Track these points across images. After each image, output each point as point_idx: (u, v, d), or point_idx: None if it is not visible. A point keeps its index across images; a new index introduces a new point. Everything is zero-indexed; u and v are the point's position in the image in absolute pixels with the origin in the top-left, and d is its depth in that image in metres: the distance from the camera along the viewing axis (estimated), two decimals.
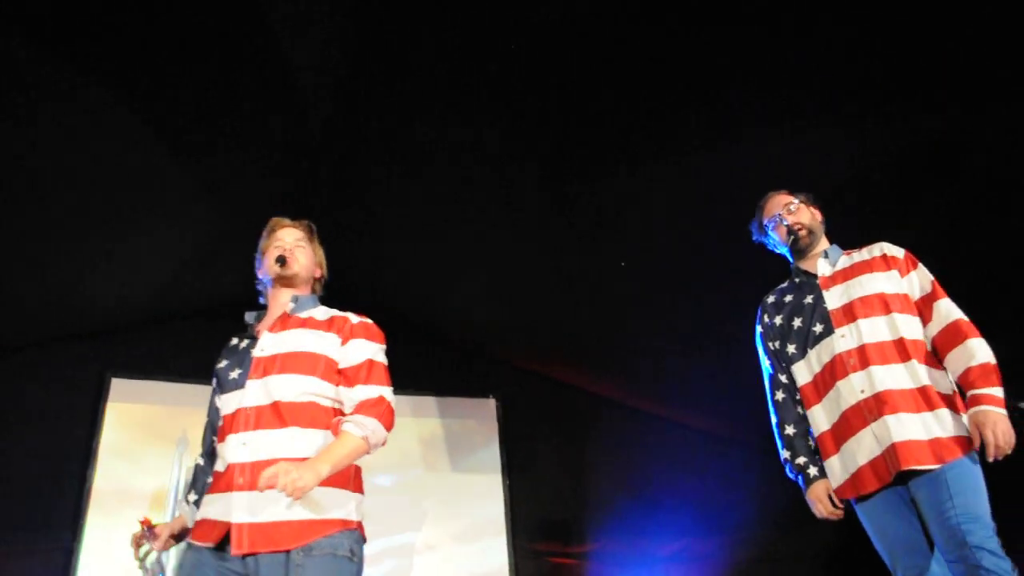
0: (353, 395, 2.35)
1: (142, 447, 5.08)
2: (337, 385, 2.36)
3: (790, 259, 2.90)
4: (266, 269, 2.55)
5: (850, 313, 2.63)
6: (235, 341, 2.54)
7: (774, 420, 2.77)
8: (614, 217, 4.47)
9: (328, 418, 2.31)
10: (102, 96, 3.49)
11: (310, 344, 2.37)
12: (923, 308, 2.62)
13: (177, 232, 4.63)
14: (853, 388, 2.54)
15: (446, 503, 5.63)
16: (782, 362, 2.79)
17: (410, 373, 5.89)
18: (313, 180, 4.57)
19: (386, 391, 2.42)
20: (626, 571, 5.70)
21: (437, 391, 5.95)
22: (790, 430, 2.71)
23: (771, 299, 2.91)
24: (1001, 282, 4.07)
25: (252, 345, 2.42)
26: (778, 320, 2.81)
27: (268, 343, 2.38)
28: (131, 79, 3.51)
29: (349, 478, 2.33)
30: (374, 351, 2.46)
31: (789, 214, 2.84)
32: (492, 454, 5.86)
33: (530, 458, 5.91)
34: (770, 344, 2.83)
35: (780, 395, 2.76)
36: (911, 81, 3.44)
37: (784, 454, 2.72)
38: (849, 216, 3.80)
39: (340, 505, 2.26)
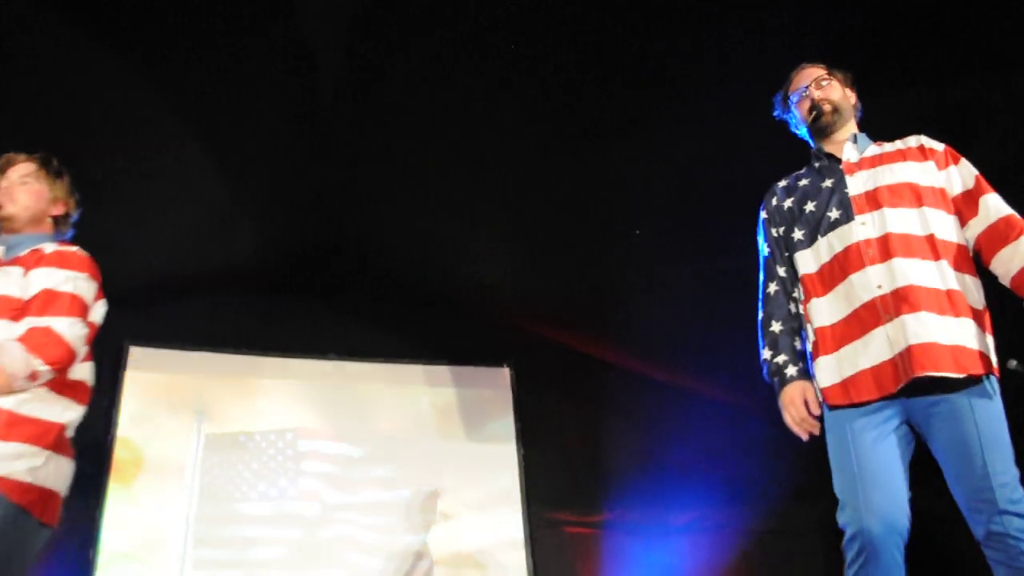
0: (20, 330, 2.13)
1: (161, 416, 5.13)
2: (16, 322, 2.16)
3: (810, 143, 2.54)
4: None
5: (874, 200, 2.28)
6: None
7: (760, 315, 2.40)
8: (630, 180, 4.43)
9: None
10: (115, 63, 3.49)
11: (12, 287, 2.22)
12: (964, 205, 2.25)
13: (192, 201, 4.63)
14: (868, 282, 2.18)
15: (461, 473, 5.65)
16: (784, 250, 2.43)
17: (424, 342, 5.92)
18: (325, 146, 4.56)
19: (56, 322, 2.14)
20: (641, 540, 5.72)
21: (451, 360, 5.96)
22: (776, 327, 2.33)
23: (783, 183, 2.54)
24: None
25: None
26: (788, 203, 2.45)
27: None
28: (144, 49, 3.50)
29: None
30: (58, 280, 2.22)
31: (818, 88, 2.47)
32: (507, 423, 5.87)
33: (545, 427, 5.92)
34: (773, 230, 2.47)
35: (773, 287, 2.39)
36: (928, 49, 3.39)
37: (764, 353, 2.34)
38: None
39: None
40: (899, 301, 2.13)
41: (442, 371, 5.94)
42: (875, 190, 2.29)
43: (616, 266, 5.17)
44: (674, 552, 5.70)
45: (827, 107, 2.44)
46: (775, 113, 2.64)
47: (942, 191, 2.28)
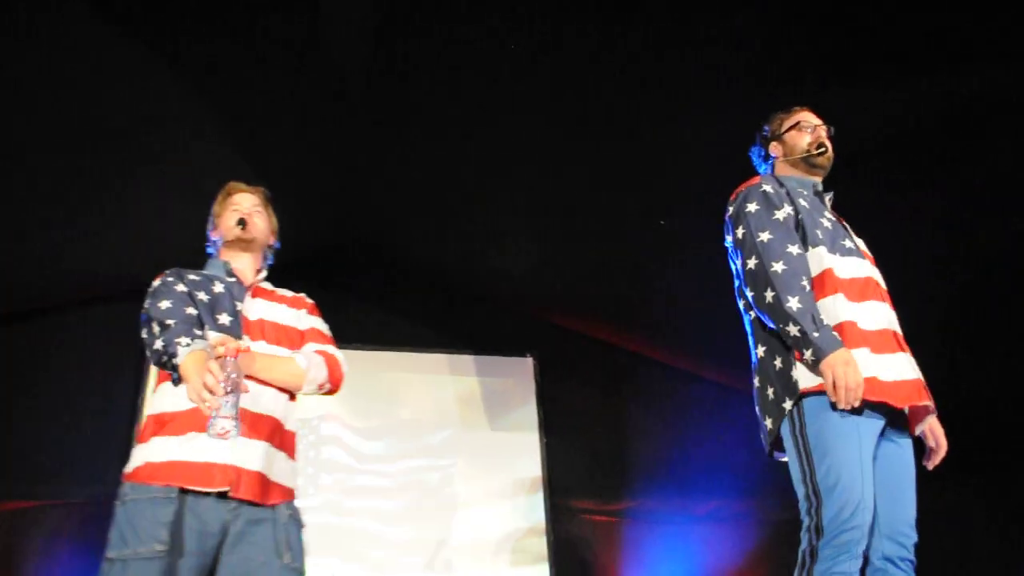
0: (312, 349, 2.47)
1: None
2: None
3: (769, 173, 2.60)
4: (222, 231, 2.54)
5: (866, 253, 2.42)
6: (199, 277, 2.44)
7: (769, 296, 2.21)
8: (657, 169, 4.40)
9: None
10: (132, 51, 3.50)
11: (288, 319, 2.48)
12: None
13: (212, 192, 4.66)
14: (882, 315, 2.26)
15: (484, 461, 5.68)
16: (798, 233, 2.33)
17: (448, 331, 5.93)
18: (346, 134, 4.56)
19: (338, 352, 2.51)
20: (662, 529, 5.72)
21: (475, 350, 5.98)
22: (795, 304, 2.16)
23: (776, 185, 2.46)
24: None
25: (231, 296, 2.40)
26: (802, 200, 2.40)
27: (251, 307, 2.41)
28: (163, 38, 3.51)
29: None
30: (325, 329, 2.58)
31: (827, 131, 2.56)
32: (530, 412, 5.89)
33: (568, 416, 5.93)
34: (780, 213, 2.34)
35: (780, 266, 2.23)
36: (936, 41, 3.33)
37: (793, 330, 2.14)
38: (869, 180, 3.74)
39: None
40: (899, 340, 2.27)
41: (466, 360, 5.96)
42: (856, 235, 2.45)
43: (641, 256, 5.15)
44: (695, 541, 5.70)
45: (831, 152, 2.54)
46: (761, 135, 2.70)
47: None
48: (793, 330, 2.13)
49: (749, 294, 2.29)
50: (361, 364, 5.55)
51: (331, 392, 2.47)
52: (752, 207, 2.36)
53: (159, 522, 2.05)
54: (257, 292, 2.49)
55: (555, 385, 6.01)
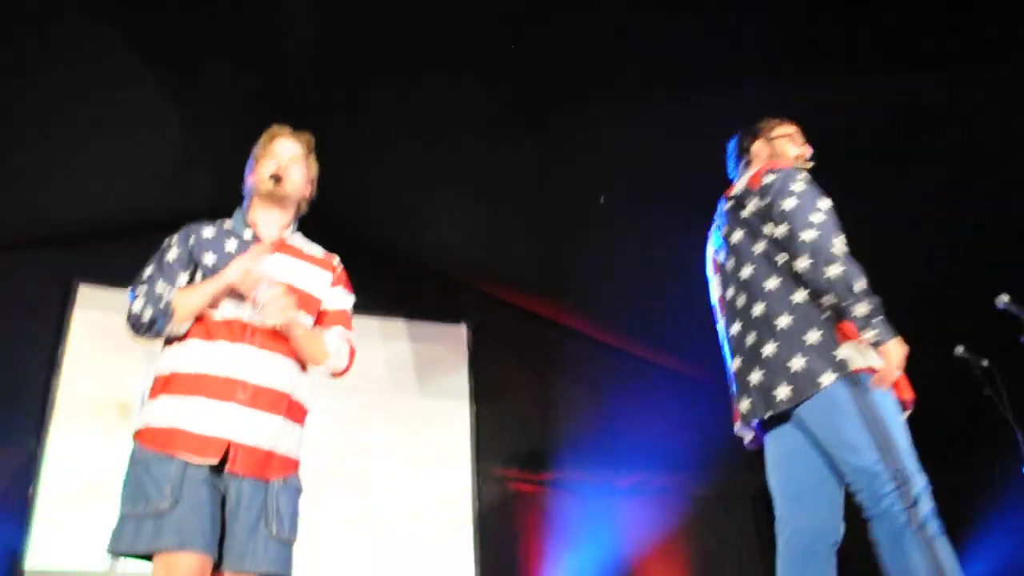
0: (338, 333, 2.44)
1: (109, 356, 5.05)
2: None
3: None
4: (256, 181, 2.41)
5: None
6: (213, 233, 2.37)
7: (833, 273, 2.26)
8: (592, 147, 4.44)
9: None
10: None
11: (309, 283, 2.39)
12: None
13: (151, 141, 4.53)
14: None
15: (413, 426, 5.68)
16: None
17: (381, 296, 5.88)
18: (288, 95, 4.47)
19: (353, 341, 2.50)
20: (585, 500, 5.83)
21: (408, 315, 5.95)
22: (862, 284, 2.27)
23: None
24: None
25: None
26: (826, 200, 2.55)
27: (273, 267, 2.29)
28: None
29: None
30: (349, 304, 2.53)
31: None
32: (461, 380, 5.91)
33: (498, 386, 5.97)
34: (825, 201, 2.45)
35: (841, 246, 2.36)
36: (898, 39, 3.42)
37: (860, 310, 2.22)
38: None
39: None
40: None
41: (398, 325, 5.93)
42: None
43: (578, 233, 5.19)
44: (618, 513, 5.82)
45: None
46: (750, 133, 2.76)
47: None
48: (860, 310, 2.19)
49: (803, 264, 2.30)
50: None
51: (335, 377, 2.47)
52: (799, 185, 2.42)
53: (164, 478, 2.07)
54: (282, 248, 2.37)
55: (487, 354, 6.03)
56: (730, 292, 2.56)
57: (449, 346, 6.00)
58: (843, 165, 3.85)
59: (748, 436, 2.57)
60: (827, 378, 2.24)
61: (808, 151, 2.70)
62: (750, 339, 2.43)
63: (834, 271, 2.24)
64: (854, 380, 2.23)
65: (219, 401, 2.14)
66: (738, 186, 2.61)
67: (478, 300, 6.17)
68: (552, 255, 5.52)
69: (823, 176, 2.58)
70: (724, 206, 2.64)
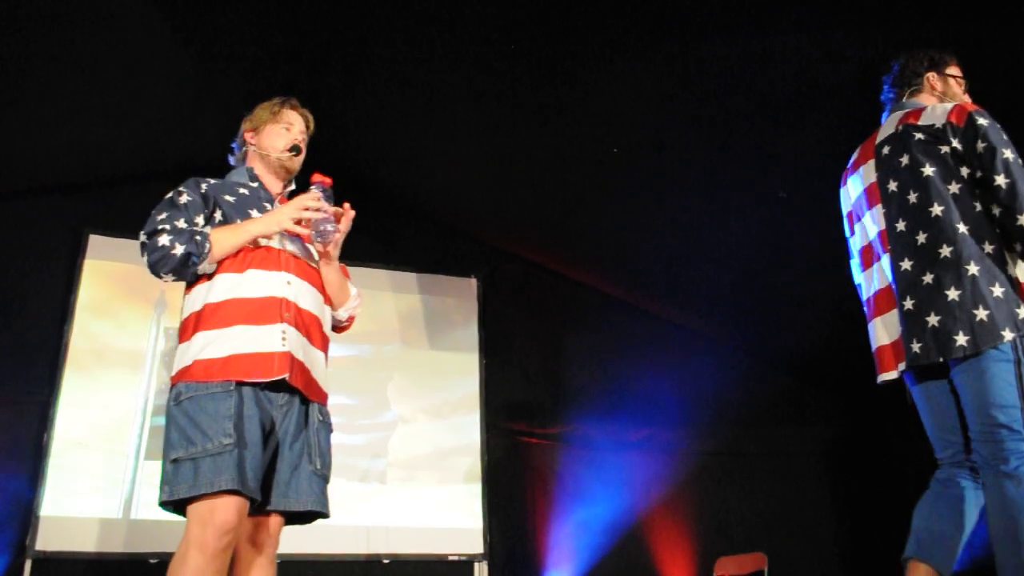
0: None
1: (120, 306, 5.07)
2: None
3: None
4: (266, 146, 2.40)
5: None
6: (222, 181, 2.39)
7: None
8: (605, 98, 4.36)
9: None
10: None
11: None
12: None
13: (161, 88, 4.47)
14: None
15: (422, 378, 5.70)
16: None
17: (392, 248, 5.86)
18: (299, 45, 4.40)
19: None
20: (593, 454, 5.86)
21: (418, 267, 5.93)
22: None
23: None
24: None
25: (259, 198, 2.36)
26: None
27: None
28: None
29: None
30: None
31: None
32: (470, 333, 5.90)
33: (507, 339, 5.96)
34: (1010, 148, 2.44)
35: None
36: None
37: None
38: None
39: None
40: None
41: (409, 277, 5.92)
42: None
43: (590, 186, 5.13)
44: (625, 468, 5.85)
45: None
46: (918, 62, 2.66)
47: None
48: None
49: (997, 209, 2.31)
50: None
51: (340, 325, 2.50)
52: (988, 122, 2.37)
53: (223, 415, 2.03)
54: (280, 202, 2.40)
55: (497, 308, 6.02)
56: (904, 225, 2.44)
57: (459, 299, 5.99)
58: None
59: (892, 377, 2.51)
60: (1008, 334, 2.24)
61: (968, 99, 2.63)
62: (927, 279, 2.35)
63: None
64: (1021, 341, 2.25)
65: (267, 324, 2.14)
66: (930, 116, 2.47)
67: (489, 254, 6.14)
68: (565, 209, 5.47)
69: None
70: (913, 135, 2.48)
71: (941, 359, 2.30)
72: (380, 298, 5.79)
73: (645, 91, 4.23)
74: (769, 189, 4.62)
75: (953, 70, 2.66)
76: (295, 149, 2.40)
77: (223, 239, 2.18)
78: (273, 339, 2.12)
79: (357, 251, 5.76)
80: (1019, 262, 2.33)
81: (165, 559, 4.77)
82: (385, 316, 5.77)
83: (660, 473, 5.91)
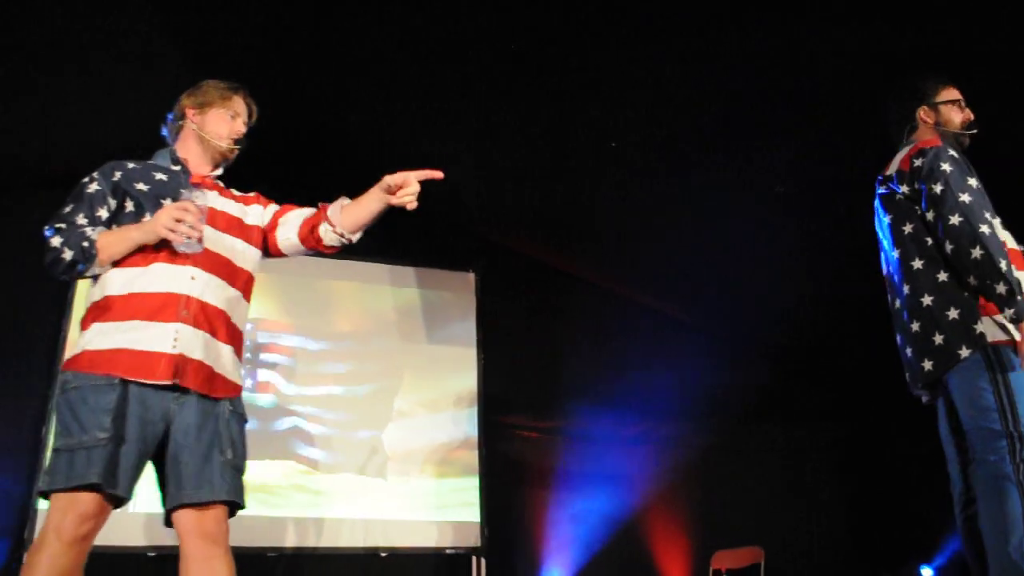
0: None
1: None
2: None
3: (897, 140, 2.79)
4: (209, 131, 2.42)
5: None
6: (141, 165, 2.39)
7: (978, 254, 2.43)
8: (601, 93, 4.36)
9: None
10: None
11: (244, 214, 2.47)
12: None
13: (152, 81, 4.46)
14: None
15: (420, 373, 5.70)
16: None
17: (390, 242, 5.84)
18: (293, 33, 4.39)
19: None
20: (590, 447, 5.87)
21: (417, 262, 5.93)
22: (1005, 265, 2.42)
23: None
24: None
25: (177, 184, 2.35)
26: (973, 180, 2.56)
27: (199, 195, 2.28)
28: None
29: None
30: None
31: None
32: (468, 327, 5.91)
33: (505, 333, 5.96)
34: (973, 180, 2.53)
35: (987, 229, 2.45)
36: None
37: (1000, 288, 2.40)
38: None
39: None
40: None
41: (407, 272, 5.91)
42: None
43: (588, 179, 5.13)
44: (622, 461, 5.86)
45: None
46: (912, 96, 2.78)
47: None
48: (1001, 288, 2.39)
49: (949, 247, 2.48)
50: (300, 270, 5.48)
51: (321, 246, 2.62)
52: (948, 167, 2.52)
53: (101, 409, 2.02)
54: (205, 184, 2.40)
55: (495, 302, 6.02)
56: (884, 268, 2.76)
57: (457, 293, 5.99)
58: None
59: (925, 396, 2.73)
60: (965, 352, 2.44)
61: (970, 116, 2.75)
62: (903, 313, 2.63)
63: (978, 252, 2.41)
64: (998, 352, 2.43)
65: (162, 322, 2.12)
66: (892, 166, 2.68)
67: (486, 248, 6.13)
68: (560, 201, 5.46)
69: None
70: (877, 187, 2.72)
71: (920, 384, 2.59)
72: (378, 292, 5.79)
73: (642, 86, 4.23)
74: (767, 187, 4.62)
75: (945, 95, 2.76)
76: (239, 142, 2.43)
77: (109, 245, 2.19)
78: (164, 340, 2.12)
79: (354, 245, 5.80)
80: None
81: (163, 553, 4.79)
82: (383, 310, 5.77)
83: (657, 467, 5.93)
